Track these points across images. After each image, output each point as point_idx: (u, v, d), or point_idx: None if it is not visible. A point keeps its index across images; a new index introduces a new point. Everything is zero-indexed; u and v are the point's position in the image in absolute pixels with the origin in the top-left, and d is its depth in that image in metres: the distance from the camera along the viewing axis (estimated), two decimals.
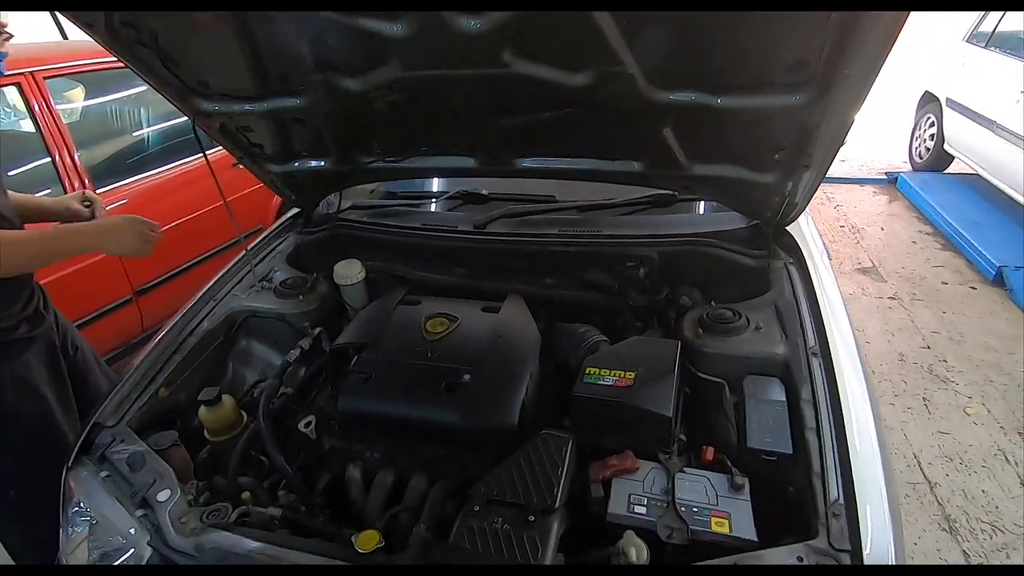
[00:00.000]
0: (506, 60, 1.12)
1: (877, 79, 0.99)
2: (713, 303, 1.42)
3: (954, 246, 3.92)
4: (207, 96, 1.38)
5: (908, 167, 5.40)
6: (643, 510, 1.03)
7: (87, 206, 1.68)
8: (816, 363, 1.20)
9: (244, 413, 1.40)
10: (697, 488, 1.07)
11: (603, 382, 1.20)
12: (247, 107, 1.40)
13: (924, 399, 2.54)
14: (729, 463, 1.09)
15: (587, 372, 1.23)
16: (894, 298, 3.38)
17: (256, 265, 1.72)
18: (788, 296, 1.40)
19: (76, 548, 1.19)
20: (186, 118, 1.44)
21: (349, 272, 1.66)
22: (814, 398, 1.13)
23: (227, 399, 1.35)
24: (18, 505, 1.54)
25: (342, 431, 1.32)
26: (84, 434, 1.23)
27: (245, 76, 1.32)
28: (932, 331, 3.02)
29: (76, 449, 1.22)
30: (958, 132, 4.60)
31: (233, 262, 1.74)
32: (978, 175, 4.34)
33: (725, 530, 0.98)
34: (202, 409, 1.32)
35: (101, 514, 1.12)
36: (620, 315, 1.59)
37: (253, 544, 1.02)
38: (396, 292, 1.60)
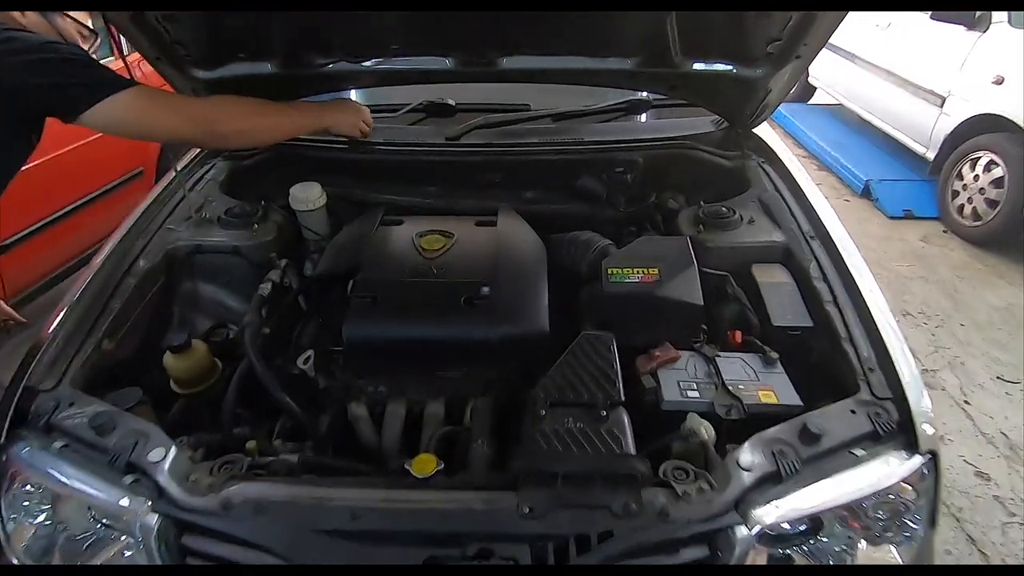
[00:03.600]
0: None
1: None
2: (702, 203, 1.44)
3: (826, 166, 4.42)
4: None
5: None
6: (696, 394, 1.04)
7: None
8: (817, 245, 1.27)
9: (217, 360, 1.19)
10: (735, 368, 1.10)
11: (629, 280, 1.18)
12: None
13: None
14: (759, 342, 1.14)
15: (610, 273, 1.20)
16: None
17: (189, 192, 1.44)
18: (771, 191, 1.46)
19: (31, 534, 0.96)
20: None
21: (309, 196, 1.45)
22: (824, 275, 1.20)
23: (199, 344, 1.14)
24: None
25: (346, 363, 1.18)
26: (15, 403, 0.97)
27: None
28: None
29: (8, 422, 0.96)
30: (821, 65, 5.11)
31: (158, 190, 1.44)
32: (840, 104, 4.89)
33: (773, 400, 1.03)
34: (169, 357, 1.10)
35: (70, 488, 0.90)
36: (607, 224, 1.58)
37: (293, 489, 0.88)
38: (372, 213, 1.43)
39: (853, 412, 0.96)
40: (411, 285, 1.19)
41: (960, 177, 3.43)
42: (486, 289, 1.16)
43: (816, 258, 1.24)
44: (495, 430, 1.06)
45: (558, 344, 1.14)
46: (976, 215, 3.34)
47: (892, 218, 3.66)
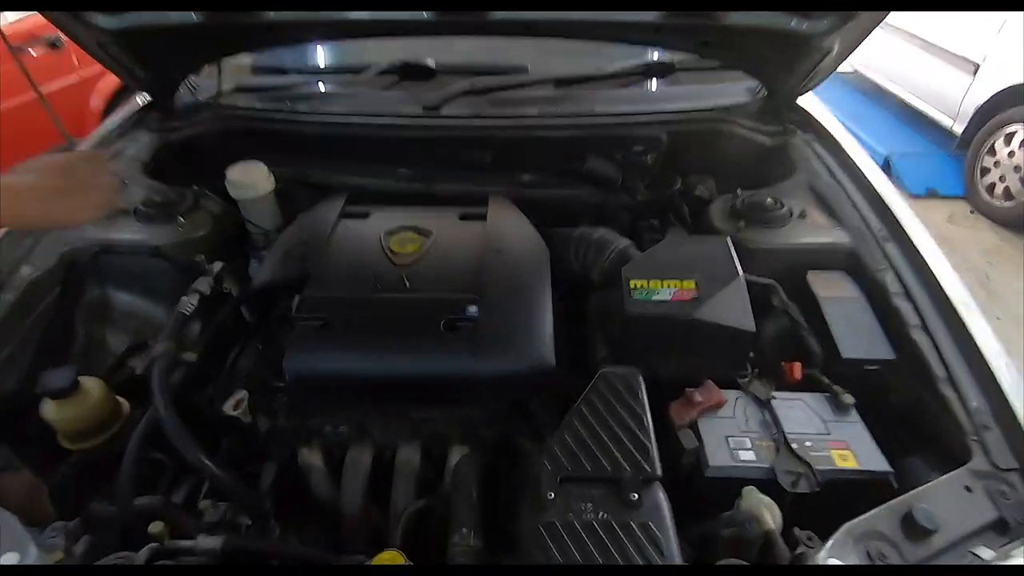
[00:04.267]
0: None
1: None
2: (740, 191, 1.17)
3: None
4: None
5: None
6: (750, 455, 0.79)
7: None
8: (894, 249, 1.01)
9: (122, 400, 0.92)
10: (797, 415, 0.85)
11: (659, 296, 0.91)
12: None
13: None
14: (826, 379, 0.88)
15: (633, 287, 0.93)
16: None
17: None
18: (826, 178, 1.19)
19: None
20: None
21: (252, 179, 1.17)
22: (906, 290, 0.94)
23: (90, 383, 0.86)
24: None
25: (291, 404, 0.91)
26: None
27: None
28: None
29: None
30: None
31: None
32: (856, 72, 4.56)
33: (852, 464, 0.78)
34: (49, 405, 0.83)
35: None
36: (621, 214, 1.30)
37: None
38: (330, 202, 1.15)
39: (969, 490, 0.71)
40: (373, 303, 0.92)
41: (992, 152, 3.15)
42: (473, 308, 0.90)
43: (894, 267, 0.98)
44: (485, 488, 0.81)
45: (562, 369, 0.88)
46: (1008, 194, 3.08)
47: (915, 197, 3.39)
